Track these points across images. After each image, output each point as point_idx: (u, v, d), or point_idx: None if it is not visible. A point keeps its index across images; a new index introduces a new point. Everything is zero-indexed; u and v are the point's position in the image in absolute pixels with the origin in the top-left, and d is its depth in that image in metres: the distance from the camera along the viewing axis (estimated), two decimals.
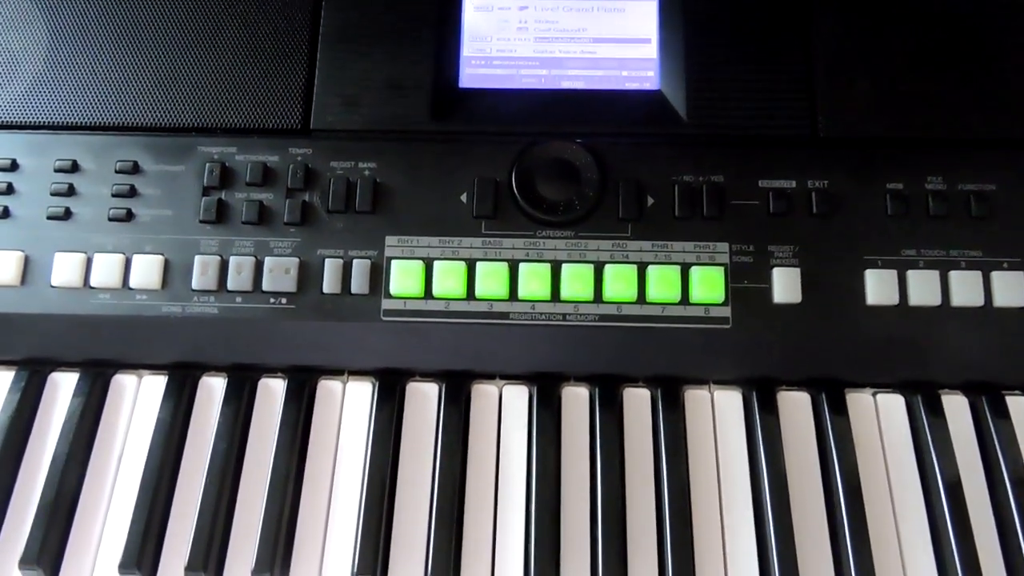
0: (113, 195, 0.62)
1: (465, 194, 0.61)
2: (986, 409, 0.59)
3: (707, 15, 0.65)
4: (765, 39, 0.64)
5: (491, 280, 0.59)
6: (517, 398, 0.61)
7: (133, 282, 0.61)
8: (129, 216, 0.62)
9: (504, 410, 0.61)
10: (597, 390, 0.61)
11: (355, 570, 0.55)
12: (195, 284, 0.60)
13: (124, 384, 0.62)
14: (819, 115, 0.62)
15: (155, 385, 0.62)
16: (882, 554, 0.55)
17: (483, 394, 0.61)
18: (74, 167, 0.62)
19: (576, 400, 0.61)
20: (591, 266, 0.60)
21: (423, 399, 0.61)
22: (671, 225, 0.60)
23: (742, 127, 0.62)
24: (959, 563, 0.54)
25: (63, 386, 0.62)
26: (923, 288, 0.58)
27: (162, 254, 0.61)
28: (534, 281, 0.59)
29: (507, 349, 0.60)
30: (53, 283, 0.60)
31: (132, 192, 0.62)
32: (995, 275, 0.58)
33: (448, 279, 0.60)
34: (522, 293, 0.59)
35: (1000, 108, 0.61)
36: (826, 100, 0.62)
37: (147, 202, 0.62)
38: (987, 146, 0.61)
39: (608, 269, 0.59)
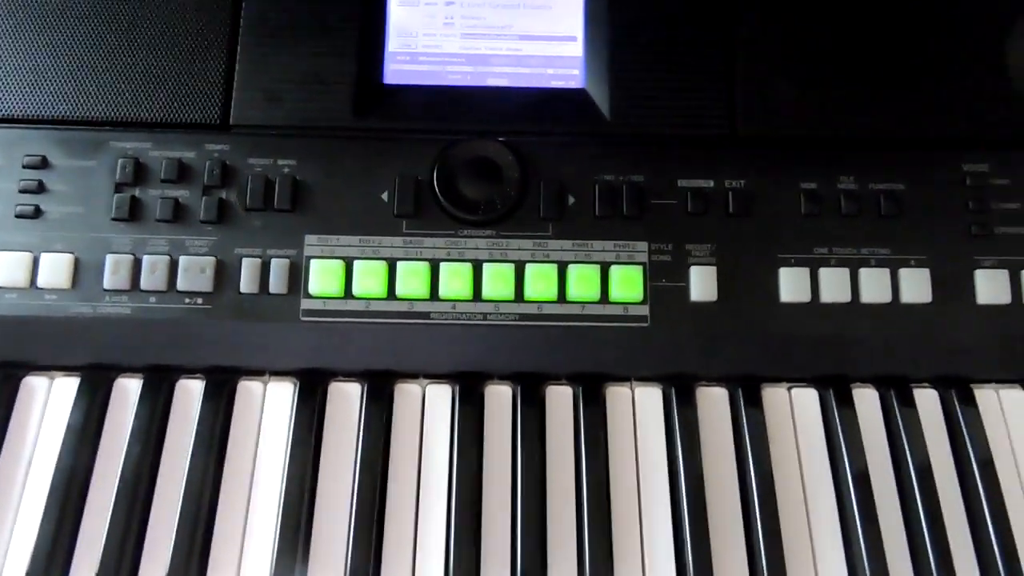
0: (20, 191, 0.60)
1: (386, 192, 0.61)
2: (894, 401, 0.60)
3: (633, 14, 0.65)
4: (688, 40, 0.64)
5: (412, 280, 0.59)
6: (440, 397, 0.61)
7: (41, 281, 0.59)
8: (37, 213, 0.60)
9: (427, 409, 0.61)
10: (520, 388, 0.61)
11: (273, 573, 0.54)
12: (107, 284, 0.59)
13: (35, 386, 0.60)
14: (738, 115, 0.63)
15: (67, 387, 0.60)
16: (793, 542, 0.56)
17: (406, 393, 0.61)
18: None
19: (499, 398, 0.61)
20: (512, 265, 0.60)
21: (345, 399, 0.61)
22: (591, 224, 0.60)
23: (663, 127, 0.63)
24: (865, 552, 0.55)
25: None
26: (834, 285, 0.59)
27: (72, 252, 0.59)
28: (455, 280, 0.59)
29: (429, 348, 0.60)
30: None
31: (40, 188, 0.60)
32: (902, 272, 0.59)
33: (368, 279, 0.59)
34: (443, 292, 0.59)
35: (910, 109, 0.63)
36: (745, 101, 0.63)
37: (56, 198, 0.60)
38: (898, 146, 0.63)
39: (529, 268, 0.60)
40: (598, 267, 0.60)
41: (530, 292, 0.59)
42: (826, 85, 0.63)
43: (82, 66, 0.62)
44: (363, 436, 0.59)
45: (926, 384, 0.62)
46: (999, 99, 0.63)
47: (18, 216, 0.60)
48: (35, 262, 0.59)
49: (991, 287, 0.59)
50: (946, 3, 0.64)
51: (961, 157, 0.62)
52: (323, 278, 0.59)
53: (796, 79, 0.64)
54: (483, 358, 0.61)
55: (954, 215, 0.61)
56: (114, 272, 0.59)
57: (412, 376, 0.62)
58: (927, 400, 0.61)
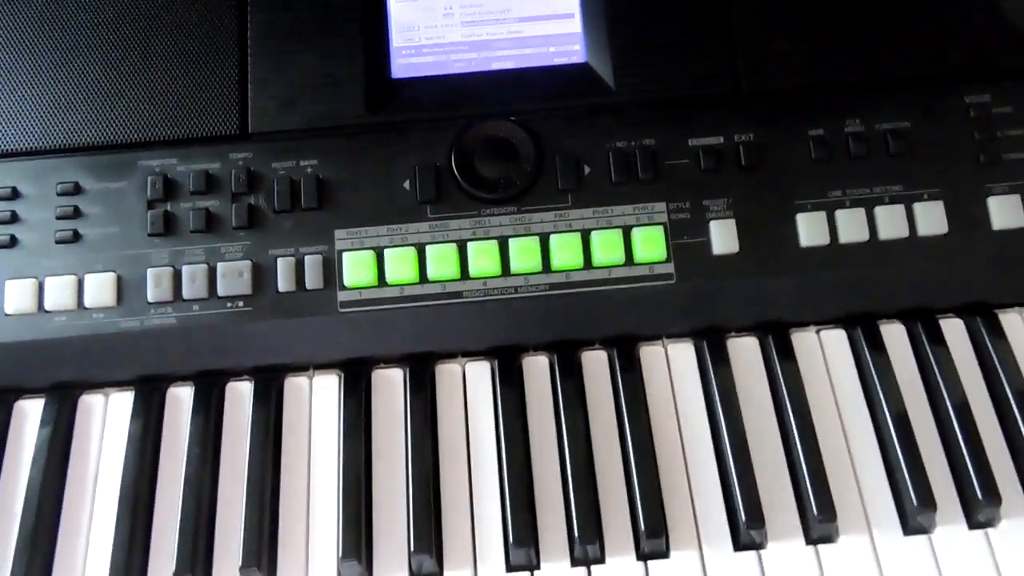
0: (57, 217, 0.62)
1: (408, 181, 0.63)
2: (922, 335, 0.62)
3: None
4: (684, 2, 0.66)
5: (441, 262, 0.61)
6: (480, 374, 0.63)
7: (88, 302, 0.61)
8: (76, 237, 0.62)
9: (469, 386, 0.63)
10: (556, 357, 0.63)
11: (340, 555, 0.56)
12: (150, 297, 0.61)
13: (92, 404, 0.63)
14: (740, 71, 0.65)
15: (123, 402, 0.63)
16: (838, 481, 0.58)
17: (447, 373, 0.63)
18: (14, 194, 0.63)
19: (537, 368, 0.63)
20: (536, 238, 0.61)
21: (389, 385, 0.63)
22: (609, 191, 0.62)
23: (668, 90, 0.65)
24: (909, 482, 0.56)
25: (31, 413, 0.62)
26: (851, 226, 0.61)
27: (114, 271, 0.61)
28: (483, 258, 0.61)
29: (464, 327, 0.62)
30: (6, 311, 0.61)
31: (76, 213, 0.62)
32: (917, 207, 0.61)
33: (400, 265, 0.61)
34: (473, 271, 0.61)
35: (908, 48, 0.64)
36: (746, 55, 0.65)
37: (93, 221, 0.62)
38: (900, 86, 0.64)
39: (553, 239, 0.61)
40: (620, 231, 0.61)
41: (556, 262, 0.61)
42: (823, 33, 0.65)
43: (103, 93, 0.64)
44: (410, 418, 0.61)
45: (951, 314, 0.63)
46: (995, 31, 0.64)
47: (58, 242, 0.62)
48: (80, 284, 0.61)
49: (1005, 212, 0.60)
50: None
51: (962, 90, 0.63)
52: (356, 269, 0.61)
53: (793, 29, 0.65)
54: (517, 331, 0.63)
55: (962, 146, 0.62)
56: (156, 285, 0.61)
57: (451, 356, 0.64)
58: (954, 329, 0.63)
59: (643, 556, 0.57)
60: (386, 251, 0.61)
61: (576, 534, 0.56)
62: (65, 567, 0.58)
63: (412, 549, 0.56)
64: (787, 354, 0.62)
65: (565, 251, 0.61)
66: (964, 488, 0.57)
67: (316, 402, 0.63)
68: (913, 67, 0.64)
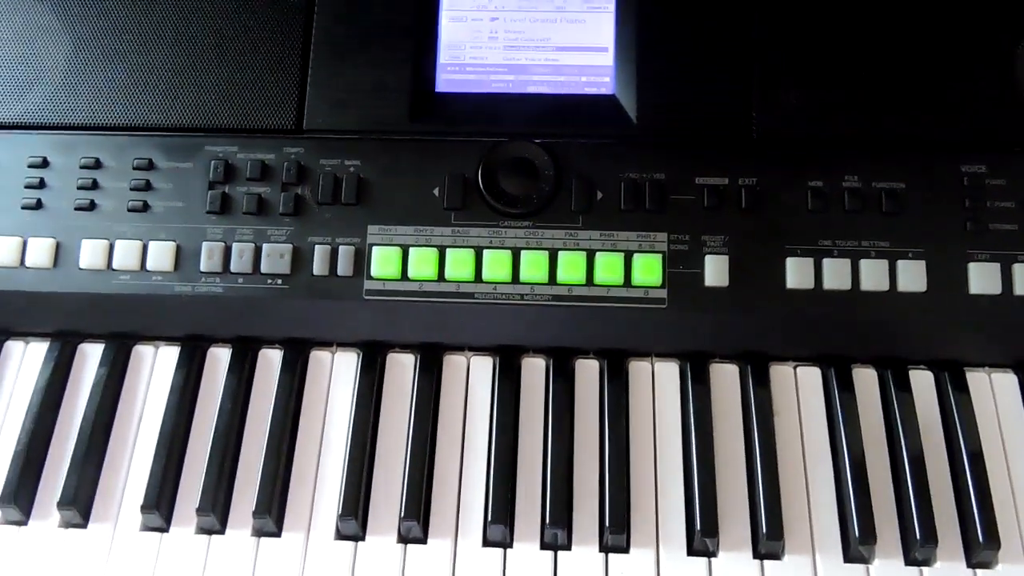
0: (131, 189, 0.70)
1: (437, 188, 0.69)
2: (891, 382, 0.66)
3: (659, 26, 0.72)
4: (710, 48, 0.71)
5: (459, 264, 0.68)
6: (482, 367, 0.70)
7: (149, 265, 0.69)
8: (145, 207, 0.70)
9: (471, 377, 0.70)
10: (552, 361, 0.69)
11: (340, 512, 0.64)
12: (203, 267, 0.69)
13: (143, 354, 0.72)
14: (754, 117, 0.69)
15: (170, 355, 0.71)
16: (791, 506, 0.63)
17: (453, 364, 0.70)
18: (97, 164, 0.71)
19: (534, 369, 0.70)
20: (546, 253, 0.67)
21: (401, 368, 0.70)
22: (617, 217, 0.68)
23: (685, 128, 0.70)
24: (855, 514, 0.61)
25: (91, 355, 0.71)
26: (836, 274, 0.65)
27: (174, 241, 0.69)
28: (496, 265, 0.67)
29: (473, 324, 0.69)
30: (81, 266, 0.69)
31: (148, 186, 0.70)
32: (900, 263, 0.65)
33: (422, 263, 0.68)
34: (486, 276, 0.67)
35: (913, 113, 0.68)
36: (761, 103, 0.69)
37: (161, 195, 0.70)
38: (901, 147, 0.68)
39: (561, 255, 0.67)
40: (622, 255, 0.67)
41: (562, 276, 0.67)
42: (837, 89, 0.69)
43: (180, 81, 0.72)
44: (416, 400, 0.68)
45: (922, 366, 0.68)
46: (999, 103, 0.67)
47: (130, 210, 0.70)
48: (144, 249, 0.69)
49: (983, 278, 0.64)
50: (948, 14, 0.69)
51: (960, 159, 0.66)
52: (383, 263, 0.68)
53: (809, 83, 0.69)
54: (520, 334, 0.69)
55: (951, 212, 0.66)
56: (209, 257, 0.69)
57: (458, 348, 0.70)
58: (922, 381, 0.67)
59: (605, 548, 0.63)
60: (411, 249, 0.68)
61: (547, 519, 0.63)
62: (108, 491, 0.66)
63: (402, 515, 0.63)
64: (763, 384, 0.67)
65: (571, 267, 0.67)
66: (906, 527, 0.62)
67: (336, 375, 0.70)
68: (916, 131, 0.68)
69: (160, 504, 0.65)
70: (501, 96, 0.73)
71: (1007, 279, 0.64)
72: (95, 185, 0.71)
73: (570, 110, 0.72)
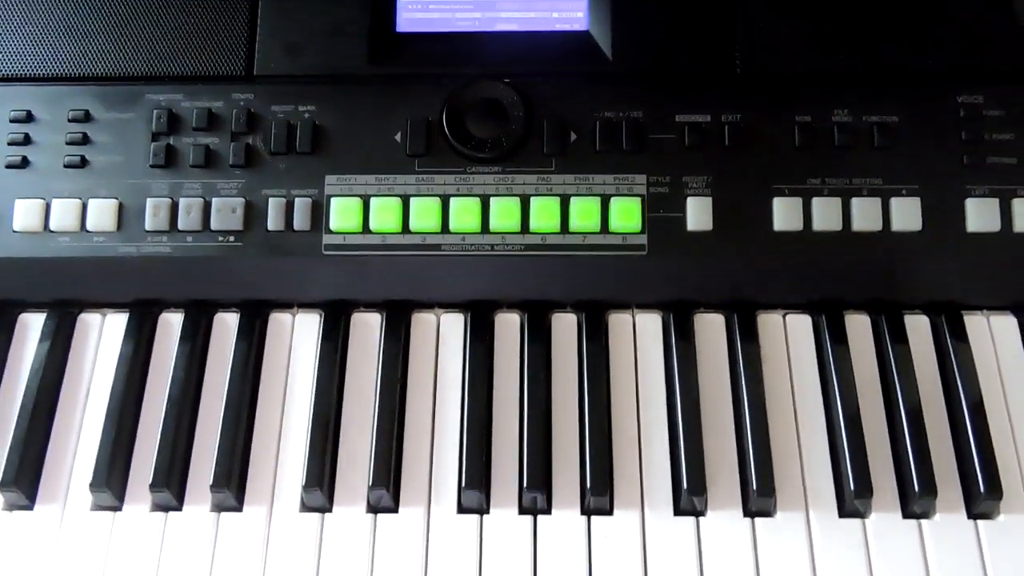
0: (67, 143, 0.65)
1: (399, 134, 0.65)
2: (885, 329, 0.63)
3: None
4: None
5: (424, 214, 0.63)
6: (453, 325, 0.66)
7: (90, 225, 0.64)
8: (83, 163, 0.65)
9: (441, 336, 0.66)
10: (527, 316, 0.65)
11: (304, 483, 0.60)
12: (148, 225, 0.64)
13: (89, 322, 0.67)
14: (738, 52, 0.65)
15: (118, 322, 0.67)
16: (782, 461, 0.60)
17: (422, 322, 0.66)
18: (28, 117, 0.66)
19: (508, 325, 0.66)
20: (517, 199, 0.63)
21: (367, 328, 0.66)
22: (593, 159, 0.64)
23: (663, 65, 0.65)
24: (850, 468, 0.58)
25: (32, 326, 0.67)
26: (826, 214, 0.61)
27: (116, 198, 0.65)
28: (464, 214, 0.63)
29: (442, 279, 0.65)
30: (15, 228, 0.64)
31: (85, 140, 0.65)
32: (893, 201, 0.61)
33: (384, 214, 0.63)
34: (453, 226, 0.63)
35: (907, 43, 0.64)
36: (746, 37, 0.65)
37: (100, 149, 0.65)
38: (894, 79, 0.64)
39: (534, 202, 0.63)
40: (599, 199, 0.63)
41: (535, 224, 0.63)
42: (825, 21, 0.65)
43: (118, 26, 0.67)
44: (383, 361, 0.64)
45: (918, 310, 0.64)
46: (997, 32, 0.63)
47: (66, 166, 0.65)
48: (84, 208, 0.65)
49: (981, 215, 0.61)
50: None
51: (956, 89, 0.63)
52: (342, 215, 0.63)
53: (795, 15, 0.65)
54: (492, 287, 0.65)
55: (947, 146, 0.62)
56: (154, 215, 0.64)
57: (427, 306, 0.66)
58: (918, 326, 0.64)
59: (587, 511, 0.59)
60: (372, 199, 0.64)
61: (525, 483, 0.59)
62: (55, 470, 0.62)
63: (371, 484, 0.60)
64: (750, 334, 0.63)
65: (544, 214, 0.63)
66: (904, 479, 0.59)
67: (297, 338, 0.66)
68: (909, 61, 0.64)
69: (111, 482, 0.61)
70: (467, 35, 0.68)
71: (1006, 215, 0.61)
72: (27, 140, 0.65)
73: (541, 48, 0.67)
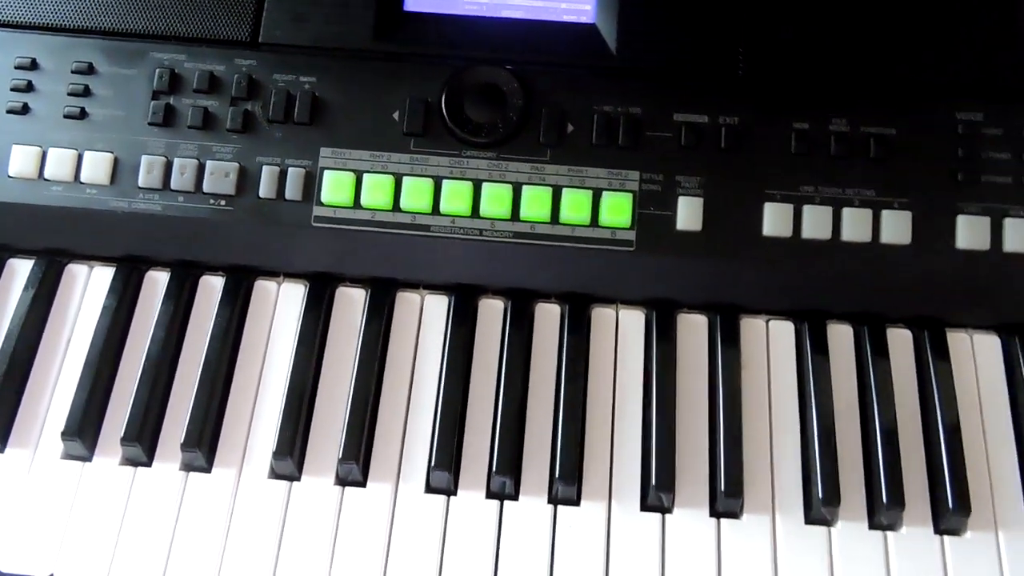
0: (69, 94, 0.66)
1: (397, 112, 0.65)
2: (867, 341, 0.63)
3: None
4: None
5: (416, 194, 0.63)
6: (437, 306, 0.66)
7: (84, 176, 0.65)
8: (83, 114, 0.65)
9: (424, 317, 0.66)
10: (511, 303, 0.65)
11: (275, 450, 0.60)
12: (141, 182, 0.64)
13: (76, 273, 0.67)
14: (741, 54, 0.65)
15: (104, 276, 0.67)
16: (753, 464, 0.59)
17: (406, 301, 0.66)
18: (33, 65, 0.66)
19: (491, 311, 0.66)
20: (510, 186, 0.63)
21: (350, 303, 0.66)
22: (588, 152, 0.63)
23: (667, 62, 0.65)
24: (820, 475, 0.58)
25: (19, 272, 0.67)
26: (816, 223, 0.61)
27: (112, 152, 0.65)
28: (456, 198, 0.63)
29: (428, 260, 0.65)
30: (10, 173, 0.65)
31: (87, 92, 0.66)
32: (884, 213, 0.61)
33: (376, 191, 0.63)
34: (444, 208, 0.63)
35: (910, 55, 0.64)
36: (750, 40, 0.65)
37: (100, 102, 0.66)
38: (894, 91, 0.64)
39: (525, 190, 0.63)
40: (590, 192, 0.63)
41: (525, 212, 0.63)
42: (830, 29, 0.65)
43: None
44: (364, 337, 0.64)
45: (901, 324, 0.64)
46: (1001, 49, 0.63)
47: (66, 116, 0.65)
48: (79, 159, 0.65)
49: (972, 232, 0.60)
50: None
51: (956, 105, 0.63)
52: (334, 188, 0.64)
53: (801, 21, 0.65)
54: (478, 272, 0.65)
55: (942, 161, 0.62)
56: (148, 172, 0.64)
57: (413, 285, 0.66)
58: (901, 340, 0.64)
59: (554, 500, 0.59)
60: (365, 175, 0.64)
61: (494, 467, 0.59)
62: (29, 416, 0.62)
63: (341, 456, 0.60)
64: (732, 338, 0.63)
65: (535, 203, 0.63)
66: (873, 489, 0.58)
67: (280, 307, 0.66)
68: (911, 73, 0.64)
69: (83, 432, 0.61)
70: (473, 19, 0.68)
71: (996, 234, 0.60)
72: (29, 87, 0.66)
73: (546, 37, 0.67)
